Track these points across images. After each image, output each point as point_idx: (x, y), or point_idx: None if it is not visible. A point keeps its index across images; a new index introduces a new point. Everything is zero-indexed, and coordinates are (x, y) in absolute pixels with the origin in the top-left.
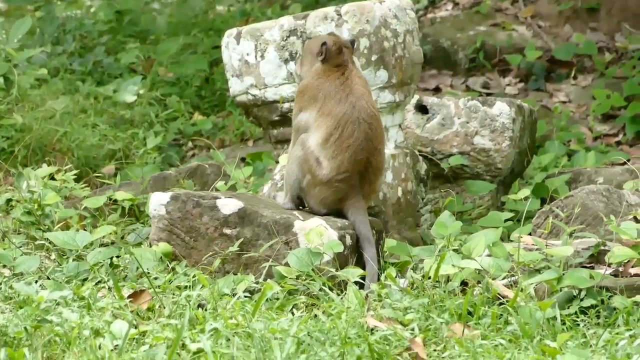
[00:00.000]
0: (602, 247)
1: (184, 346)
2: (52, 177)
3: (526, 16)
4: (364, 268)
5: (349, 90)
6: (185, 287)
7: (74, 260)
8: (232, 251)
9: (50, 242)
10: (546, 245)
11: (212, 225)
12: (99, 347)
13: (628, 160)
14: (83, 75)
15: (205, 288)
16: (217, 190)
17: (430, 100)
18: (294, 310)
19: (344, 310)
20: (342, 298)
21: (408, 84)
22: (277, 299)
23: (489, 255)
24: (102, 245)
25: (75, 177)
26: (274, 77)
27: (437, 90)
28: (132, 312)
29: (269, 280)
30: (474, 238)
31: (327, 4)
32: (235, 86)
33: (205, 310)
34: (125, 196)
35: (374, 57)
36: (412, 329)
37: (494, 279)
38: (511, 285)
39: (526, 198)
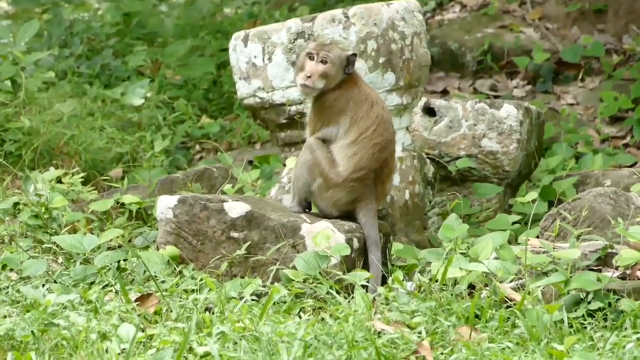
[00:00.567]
0: (610, 250)
1: (191, 350)
2: (59, 181)
3: (534, 18)
4: (368, 271)
5: (374, 95)
6: (193, 290)
7: (81, 263)
8: (240, 254)
9: (57, 246)
10: (554, 248)
11: (220, 228)
12: (106, 351)
13: (635, 163)
14: (90, 78)
15: (213, 291)
16: (224, 193)
17: (437, 102)
18: (301, 313)
19: (351, 314)
20: (349, 301)
21: (415, 86)
22: (285, 302)
23: (496, 258)
24: (109, 248)
25: (83, 180)
26: (281, 80)
27: (444, 93)
28: (139, 315)
29: (276, 283)
30: (482, 241)
31: (334, 6)
32: (243, 89)
33: (213, 313)
34: (133, 199)
35: (381, 60)
36: (420, 332)
37: (501, 281)
38: (518, 288)
39: (534, 201)
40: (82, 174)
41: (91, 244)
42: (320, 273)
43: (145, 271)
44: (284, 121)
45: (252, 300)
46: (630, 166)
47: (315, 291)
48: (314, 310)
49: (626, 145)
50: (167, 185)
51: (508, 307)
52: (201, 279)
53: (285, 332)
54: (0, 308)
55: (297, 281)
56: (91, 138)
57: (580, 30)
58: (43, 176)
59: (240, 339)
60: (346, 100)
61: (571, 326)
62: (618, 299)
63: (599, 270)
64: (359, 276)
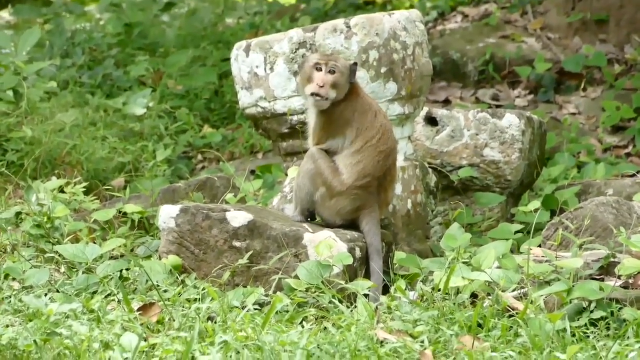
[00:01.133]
0: (612, 259)
1: (193, 359)
2: (61, 190)
3: (535, 28)
4: (369, 279)
5: (375, 104)
6: (195, 299)
7: (83, 273)
8: (242, 264)
9: (59, 255)
10: (556, 257)
11: (222, 237)
12: None
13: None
14: (92, 88)
15: (215, 301)
16: (226, 202)
17: (439, 112)
18: (304, 322)
19: (354, 323)
20: (351, 310)
21: (417, 96)
22: (287, 311)
23: (498, 267)
24: (111, 257)
25: (85, 189)
26: (283, 90)
27: (446, 102)
28: (141, 324)
29: (278, 292)
30: (484, 250)
31: (336, 16)
32: (245, 98)
33: (215, 322)
34: (135, 209)
35: (383, 69)
36: (422, 341)
37: (503, 291)
38: (521, 297)
39: (536, 210)
40: (84, 184)
41: (93, 254)
42: (322, 282)
43: (147, 280)
44: (285, 131)
45: (255, 309)
46: (632, 175)
47: (318, 300)
48: (316, 319)
49: (628, 155)
50: (169, 195)
51: (510, 316)
52: (203, 288)
53: (287, 341)
54: (2, 317)
55: (300, 290)
56: (93, 148)
57: (582, 40)
58: (45, 186)
59: (243, 348)
60: (351, 112)
61: (574, 335)
62: (620, 308)
63: (602, 280)
64: (361, 285)
